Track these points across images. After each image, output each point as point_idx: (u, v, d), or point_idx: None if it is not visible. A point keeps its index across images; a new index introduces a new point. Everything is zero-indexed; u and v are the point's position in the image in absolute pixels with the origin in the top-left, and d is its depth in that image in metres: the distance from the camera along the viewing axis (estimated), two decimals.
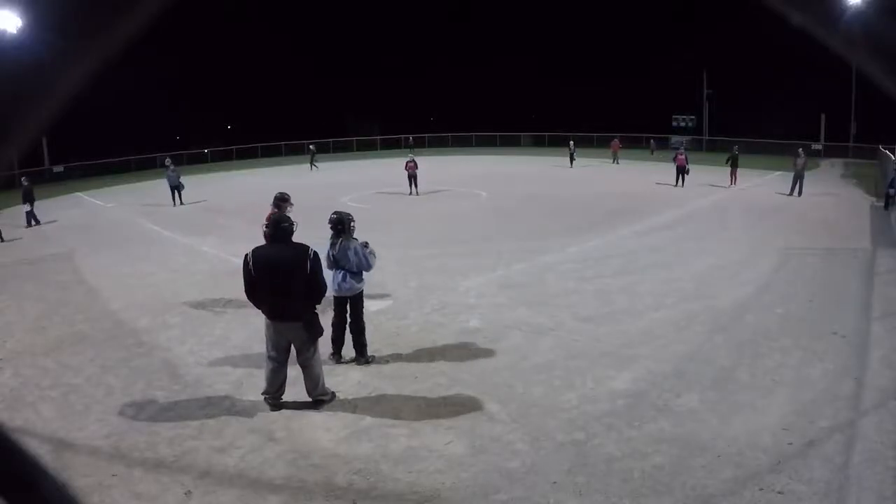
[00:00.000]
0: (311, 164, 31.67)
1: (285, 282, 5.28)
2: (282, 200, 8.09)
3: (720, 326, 7.51)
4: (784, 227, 13.93)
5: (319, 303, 5.56)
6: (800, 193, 18.71)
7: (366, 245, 6.56)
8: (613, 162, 31.35)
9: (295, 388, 5.67)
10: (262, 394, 5.63)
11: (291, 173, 30.26)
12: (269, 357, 5.53)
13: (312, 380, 5.55)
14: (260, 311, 5.57)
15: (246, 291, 5.49)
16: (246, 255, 5.41)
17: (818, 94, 33.83)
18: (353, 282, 6.46)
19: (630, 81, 46.17)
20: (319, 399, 5.61)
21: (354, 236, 6.54)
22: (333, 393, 5.74)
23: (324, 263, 6.52)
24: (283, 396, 5.64)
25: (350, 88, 53.50)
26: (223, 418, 5.46)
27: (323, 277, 5.51)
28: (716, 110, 42.56)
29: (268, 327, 5.48)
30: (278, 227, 5.45)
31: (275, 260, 5.34)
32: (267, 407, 5.58)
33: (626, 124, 40.41)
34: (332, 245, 6.47)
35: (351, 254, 6.37)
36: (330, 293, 6.30)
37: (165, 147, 38.30)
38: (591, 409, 5.46)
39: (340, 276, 6.44)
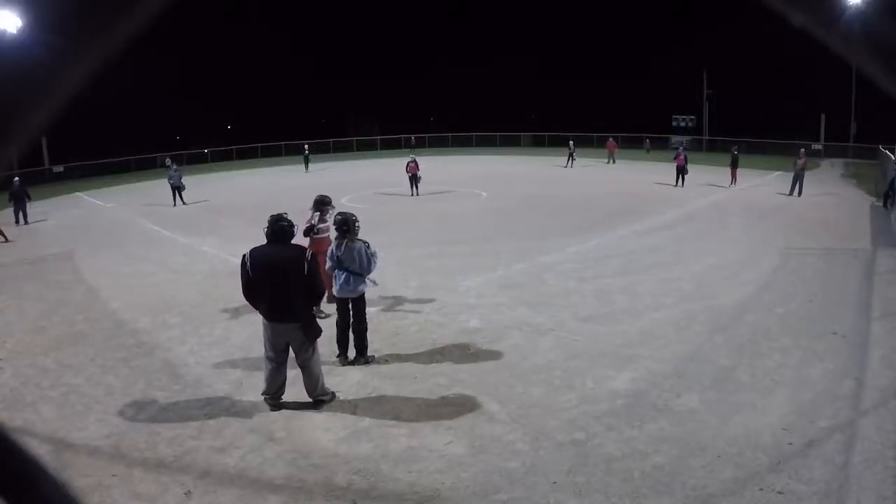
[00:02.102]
0: (306, 164, 31.76)
1: (283, 282, 5.27)
2: (322, 204, 8.09)
3: (720, 326, 7.50)
4: (784, 227, 13.92)
5: (317, 304, 5.55)
6: (800, 193, 18.72)
7: (367, 245, 6.55)
8: (609, 162, 31.28)
9: (295, 388, 5.67)
10: (262, 394, 5.62)
11: (291, 174, 30.27)
12: (268, 358, 5.52)
13: (312, 380, 5.54)
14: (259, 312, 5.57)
15: (244, 292, 5.49)
16: (244, 256, 5.40)
17: (818, 94, 33.85)
18: (355, 283, 6.46)
19: (630, 81, 46.23)
20: (319, 399, 5.60)
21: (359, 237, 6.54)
22: (333, 393, 5.73)
23: (328, 263, 6.55)
24: (282, 396, 5.63)
25: (350, 88, 53.59)
26: (223, 418, 5.46)
27: (321, 279, 5.49)
28: (716, 110, 42.60)
29: (266, 328, 5.46)
30: (276, 226, 5.44)
31: (273, 260, 5.32)
32: (267, 407, 5.57)
33: (626, 124, 40.42)
34: (338, 246, 6.46)
35: (355, 254, 6.38)
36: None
37: (165, 147, 38.32)
38: (591, 409, 5.46)
39: (343, 277, 6.43)
